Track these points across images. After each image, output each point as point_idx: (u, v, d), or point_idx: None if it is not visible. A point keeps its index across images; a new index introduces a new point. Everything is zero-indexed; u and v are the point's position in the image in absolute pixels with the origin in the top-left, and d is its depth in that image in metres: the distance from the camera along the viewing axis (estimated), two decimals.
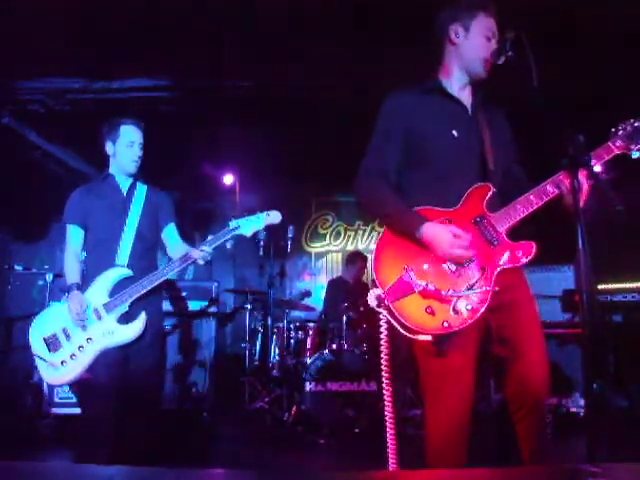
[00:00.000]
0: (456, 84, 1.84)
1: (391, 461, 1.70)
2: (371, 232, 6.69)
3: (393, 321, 1.62)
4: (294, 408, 4.01)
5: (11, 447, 3.20)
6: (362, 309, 4.45)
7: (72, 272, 2.52)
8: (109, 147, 2.62)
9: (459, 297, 1.60)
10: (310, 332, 4.49)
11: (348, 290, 5.07)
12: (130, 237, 2.54)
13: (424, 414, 1.78)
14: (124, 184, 2.66)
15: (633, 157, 1.67)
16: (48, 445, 3.65)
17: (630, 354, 4.06)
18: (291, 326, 4.58)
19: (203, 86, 4.26)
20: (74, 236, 2.59)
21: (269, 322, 4.83)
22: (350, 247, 6.45)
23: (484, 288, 1.61)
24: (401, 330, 1.61)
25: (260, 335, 5.02)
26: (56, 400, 3.95)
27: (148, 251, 2.64)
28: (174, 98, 4.35)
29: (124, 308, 2.42)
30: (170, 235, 2.74)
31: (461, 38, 1.80)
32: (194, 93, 4.35)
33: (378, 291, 1.62)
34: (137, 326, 2.39)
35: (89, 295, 2.45)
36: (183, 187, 6.20)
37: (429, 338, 1.61)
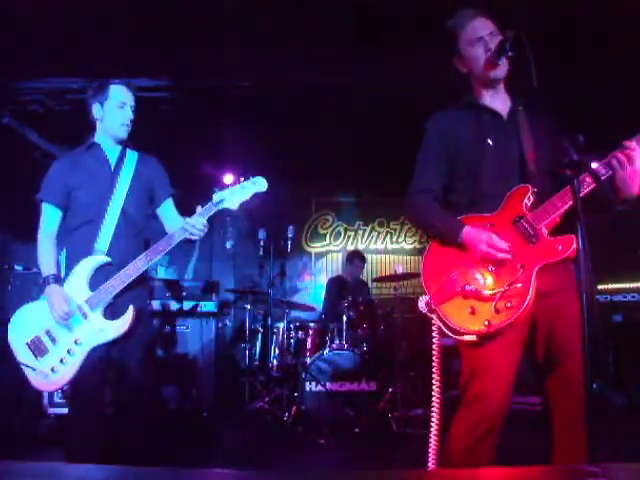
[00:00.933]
0: (486, 95, 1.88)
1: (431, 462, 1.75)
2: (371, 232, 6.69)
3: (441, 324, 1.72)
4: (294, 408, 4.00)
5: (11, 447, 3.20)
6: (362, 308, 4.46)
7: (47, 261, 2.21)
8: (96, 110, 2.31)
9: (500, 296, 1.65)
10: (310, 332, 4.48)
11: (348, 289, 5.07)
12: (114, 217, 2.24)
13: (459, 411, 1.76)
14: (112, 154, 2.35)
15: None
16: (48, 445, 3.64)
17: (630, 354, 4.06)
18: (291, 326, 4.58)
19: (203, 86, 4.26)
20: (49, 217, 2.27)
21: (269, 322, 4.83)
22: (350, 247, 6.45)
23: (523, 286, 1.63)
24: (448, 332, 1.71)
25: (260, 335, 5.02)
26: (56, 400, 3.95)
27: (134, 232, 2.32)
28: (174, 98, 4.35)
29: (108, 300, 2.17)
30: (167, 211, 2.46)
31: (463, 64, 1.89)
32: (194, 93, 4.35)
33: (426, 297, 1.75)
34: (126, 320, 2.14)
35: (68, 290, 2.17)
36: (183, 187, 6.20)
37: (474, 338, 1.67)
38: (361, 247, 6.57)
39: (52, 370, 2.14)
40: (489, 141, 1.80)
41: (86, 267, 2.19)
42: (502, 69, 1.79)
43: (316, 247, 6.62)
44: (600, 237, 1.79)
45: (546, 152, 1.79)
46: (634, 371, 3.94)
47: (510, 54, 1.69)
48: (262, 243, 5.03)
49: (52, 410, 3.93)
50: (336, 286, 5.26)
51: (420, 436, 3.78)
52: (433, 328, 1.75)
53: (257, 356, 4.96)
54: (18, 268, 4.70)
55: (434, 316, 1.74)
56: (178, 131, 4.79)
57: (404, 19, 3.35)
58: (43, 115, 4.43)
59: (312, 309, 5.25)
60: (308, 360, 4.10)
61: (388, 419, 3.93)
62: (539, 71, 1.54)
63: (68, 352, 2.13)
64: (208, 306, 4.53)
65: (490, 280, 1.69)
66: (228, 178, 6.11)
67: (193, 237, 2.22)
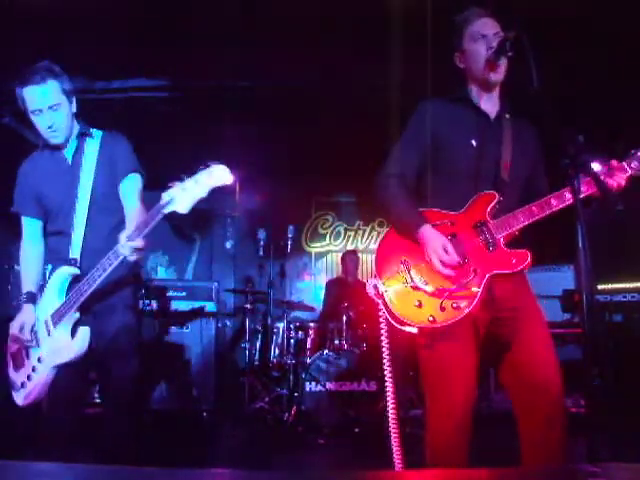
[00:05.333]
0: (481, 95, 1.88)
1: (397, 461, 1.73)
2: (371, 232, 6.69)
3: (385, 311, 1.73)
4: (294, 408, 4.00)
5: (11, 447, 3.20)
6: (362, 308, 4.46)
7: (25, 277, 2.12)
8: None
9: (447, 295, 1.67)
10: (310, 332, 4.49)
11: (347, 290, 5.07)
12: (82, 217, 2.01)
13: (425, 413, 1.79)
14: (67, 150, 2.09)
15: None
16: (48, 445, 3.64)
17: (630, 354, 4.06)
18: (291, 326, 4.58)
19: (203, 86, 4.26)
20: (30, 229, 2.14)
21: (269, 322, 4.83)
22: (350, 247, 6.44)
23: (473, 289, 1.67)
24: (391, 320, 1.72)
25: (260, 335, 5.03)
26: None
27: (109, 222, 2.06)
28: (174, 98, 4.35)
29: (74, 316, 1.94)
30: (126, 190, 2.09)
31: (462, 60, 1.89)
32: (194, 93, 4.35)
33: (375, 280, 1.75)
34: (78, 343, 1.92)
35: (41, 305, 2.03)
36: None
37: (415, 331, 1.70)
38: (361, 247, 6.57)
39: (22, 385, 2.02)
40: (472, 141, 1.81)
41: (57, 280, 2.01)
42: (500, 72, 1.80)
43: (316, 247, 6.62)
44: (600, 237, 1.79)
45: (522, 163, 1.83)
46: (634, 371, 3.93)
47: (510, 54, 1.69)
48: (262, 243, 5.03)
49: None
50: (335, 287, 5.27)
51: (420, 436, 3.80)
52: (380, 314, 1.75)
53: (257, 356, 4.96)
54: (18, 268, 4.68)
55: (380, 301, 1.73)
56: (178, 131, 4.79)
57: (404, 20, 3.35)
58: None
59: (312, 309, 5.25)
60: (308, 360, 4.11)
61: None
62: (539, 71, 1.54)
63: (33, 369, 1.99)
64: (208, 306, 4.53)
65: (442, 278, 1.70)
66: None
67: (131, 258, 1.85)
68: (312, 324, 4.60)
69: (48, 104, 1.95)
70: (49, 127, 1.98)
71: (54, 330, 1.97)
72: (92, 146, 2.11)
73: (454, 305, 1.66)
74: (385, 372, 1.82)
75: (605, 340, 3.98)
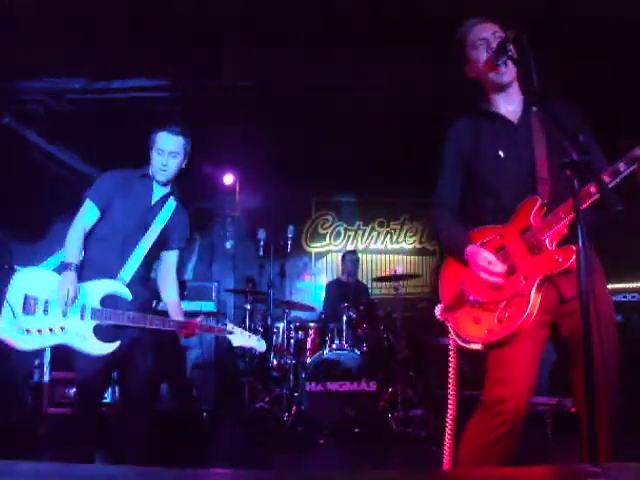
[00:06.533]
0: (500, 102, 1.88)
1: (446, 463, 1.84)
2: (371, 232, 6.69)
3: (452, 332, 1.84)
4: (294, 408, 4.01)
5: (11, 447, 3.20)
6: (362, 308, 4.46)
7: (73, 250, 2.32)
8: (150, 153, 2.52)
9: (503, 307, 1.72)
10: (310, 332, 4.49)
11: (347, 291, 5.07)
12: (140, 255, 2.42)
13: (475, 414, 1.78)
14: (157, 192, 2.54)
15: None
16: (48, 445, 3.64)
17: (630, 354, 4.06)
18: (291, 326, 4.58)
19: (203, 86, 4.26)
20: (88, 212, 2.41)
21: (269, 322, 4.83)
22: (350, 247, 6.45)
23: (525, 297, 1.68)
24: (458, 341, 1.82)
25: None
26: (56, 400, 3.95)
27: (148, 273, 2.54)
28: (174, 98, 4.34)
29: (105, 322, 2.30)
30: (167, 260, 2.63)
31: (472, 70, 1.91)
32: (194, 93, 4.34)
33: (441, 306, 1.89)
34: (105, 349, 2.26)
35: (84, 289, 2.29)
36: (183, 187, 6.19)
37: (479, 347, 1.76)
38: (361, 247, 6.57)
39: (27, 331, 2.20)
40: (500, 153, 1.83)
41: (109, 286, 2.35)
42: (505, 73, 1.79)
43: (316, 247, 6.62)
44: (600, 237, 1.78)
45: (560, 154, 1.76)
46: (634, 371, 3.93)
47: (510, 53, 1.69)
48: (262, 243, 5.03)
49: (52, 410, 3.93)
50: (335, 288, 5.27)
51: (420, 436, 3.81)
52: (450, 334, 1.86)
53: (257, 356, 4.96)
54: (18, 268, 4.69)
55: (448, 324, 1.86)
56: None
57: (404, 20, 3.35)
58: (43, 115, 4.42)
59: (312, 309, 5.25)
60: (308, 360, 4.10)
61: (388, 419, 3.93)
62: (539, 71, 1.54)
63: (49, 329, 2.22)
64: (208, 306, 4.53)
65: (495, 291, 1.75)
66: (228, 178, 6.14)
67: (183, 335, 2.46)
68: (312, 324, 4.60)
69: (170, 149, 2.47)
70: (160, 167, 2.47)
71: (88, 321, 2.26)
72: (170, 205, 2.57)
73: (508, 315, 1.70)
74: (449, 388, 1.91)
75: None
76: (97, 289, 2.32)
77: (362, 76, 4.05)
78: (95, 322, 2.26)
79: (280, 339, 4.65)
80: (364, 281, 5.90)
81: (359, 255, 5.74)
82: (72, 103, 4.31)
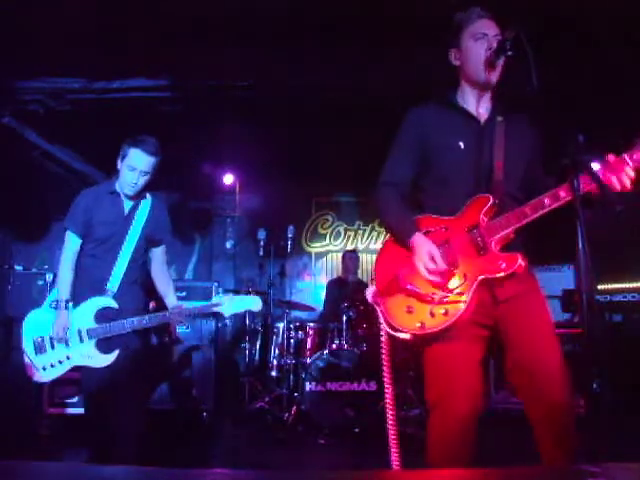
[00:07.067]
0: (470, 97, 1.88)
1: (394, 461, 1.73)
2: (371, 232, 6.69)
3: (381, 317, 1.76)
4: (294, 408, 4.01)
5: (11, 447, 3.20)
6: (362, 308, 4.46)
7: (64, 285, 2.52)
8: (118, 162, 2.58)
9: (437, 301, 1.68)
10: (310, 332, 4.49)
11: (347, 289, 5.07)
12: (124, 264, 2.55)
13: (429, 415, 1.78)
14: (127, 203, 2.64)
15: None
16: (48, 445, 3.64)
17: (630, 354, 4.06)
18: (291, 326, 4.58)
19: (203, 86, 4.26)
20: (72, 243, 2.59)
21: (269, 322, 4.83)
22: (350, 247, 6.45)
23: (462, 295, 1.66)
24: (386, 327, 1.75)
25: (260, 335, 5.02)
26: (56, 400, 3.95)
27: (135, 277, 2.63)
28: (174, 98, 4.34)
29: (105, 336, 2.49)
30: (157, 255, 2.77)
31: (459, 58, 1.87)
32: (194, 93, 4.34)
33: (373, 288, 1.81)
34: (109, 359, 2.46)
35: (76, 314, 2.50)
36: (183, 187, 6.20)
37: (407, 337, 1.71)
38: (361, 247, 6.57)
39: (43, 368, 2.53)
40: (461, 144, 1.80)
41: (98, 303, 2.52)
42: (496, 74, 1.79)
43: (316, 247, 6.62)
44: (600, 237, 1.78)
45: (516, 165, 1.80)
46: (634, 371, 3.93)
47: (510, 53, 1.69)
48: (262, 243, 5.03)
49: (52, 410, 3.93)
50: (336, 287, 5.27)
51: (420, 436, 3.80)
52: (380, 320, 1.79)
53: (257, 356, 4.96)
54: (18, 268, 4.69)
55: (378, 308, 1.78)
56: (178, 131, 4.79)
57: (404, 19, 3.35)
58: (43, 115, 4.42)
59: (312, 309, 5.25)
60: (308, 360, 4.10)
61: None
62: (539, 70, 1.54)
63: (59, 362, 2.52)
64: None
65: (434, 284, 1.71)
66: (228, 178, 6.14)
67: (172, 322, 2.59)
68: (312, 324, 4.60)
69: (141, 169, 2.52)
70: (130, 184, 2.53)
71: (88, 341, 2.49)
72: (145, 208, 2.65)
73: (443, 311, 1.66)
74: (384, 374, 1.84)
75: (605, 340, 3.98)
76: (87, 309, 2.51)
77: (362, 76, 4.05)
78: (94, 339, 2.47)
79: (280, 339, 4.65)
80: (364, 281, 5.90)
81: (359, 255, 5.74)
82: (72, 103, 4.31)
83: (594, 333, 1.31)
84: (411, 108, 1.93)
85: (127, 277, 2.56)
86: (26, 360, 2.56)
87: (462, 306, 1.65)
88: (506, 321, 1.73)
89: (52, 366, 2.52)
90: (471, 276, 1.68)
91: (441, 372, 1.74)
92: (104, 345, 2.47)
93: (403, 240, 1.78)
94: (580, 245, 1.35)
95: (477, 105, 1.87)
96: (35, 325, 2.57)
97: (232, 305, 2.53)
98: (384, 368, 1.83)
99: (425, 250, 1.70)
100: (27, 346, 2.56)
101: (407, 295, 1.73)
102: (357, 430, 3.82)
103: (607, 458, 1.24)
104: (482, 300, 1.70)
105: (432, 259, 1.68)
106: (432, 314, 1.67)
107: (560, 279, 4.57)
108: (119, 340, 2.47)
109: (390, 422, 1.81)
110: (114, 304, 2.51)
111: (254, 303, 2.56)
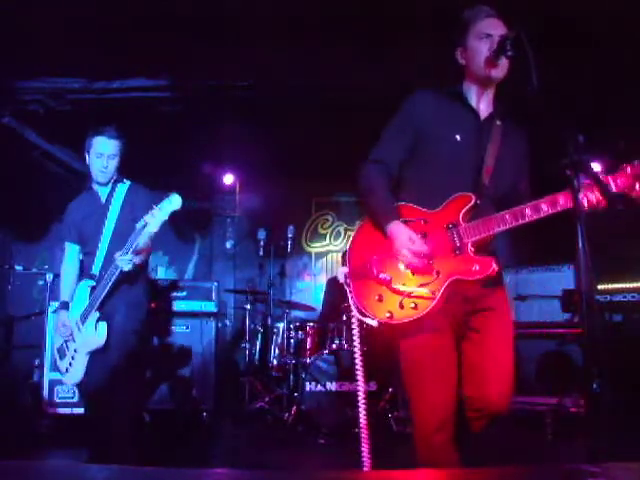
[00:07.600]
0: (475, 94, 1.87)
1: (365, 462, 1.78)
2: None
3: (351, 300, 1.77)
4: (294, 408, 4.01)
5: (11, 447, 3.20)
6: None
7: (64, 289, 2.72)
8: (87, 159, 2.70)
9: (407, 294, 1.68)
10: (310, 332, 4.48)
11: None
12: (106, 243, 2.64)
13: (411, 412, 1.84)
14: (103, 191, 2.74)
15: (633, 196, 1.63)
16: (48, 445, 3.65)
17: (630, 354, 4.06)
18: (291, 326, 4.58)
19: (203, 86, 4.26)
20: (71, 252, 2.76)
21: (269, 322, 4.83)
22: None
23: (430, 292, 1.67)
24: (354, 310, 1.76)
25: (260, 335, 5.02)
26: (56, 400, 3.95)
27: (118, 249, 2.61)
28: (174, 98, 4.34)
29: (95, 315, 2.54)
30: (144, 232, 2.75)
31: (464, 57, 1.87)
32: (194, 93, 4.34)
33: (345, 269, 1.79)
34: (99, 335, 2.53)
35: (73, 308, 2.65)
36: (183, 187, 6.18)
37: (374, 323, 1.72)
38: None
39: (66, 370, 2.67)
40: (457, 136, 1.80)
41: (81, 289, 2.66)
42: (501, 70, 1.79)
43: (316, 247, 6.62)
44: (600, 237, 1.78)
45: (507, 167, 1.81)
46: (634, 371, 3.93)
47: (510, 53, 1.69)
48: (262, 243, 5.03)
49: (52, 410, 3.93)
50: (335, 287, 5.26)
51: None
52: (350, 302, 1.79)
53: (257, 356, 4.96)
54: (18, 268, 4.70)
55: (347, 290, 1.78)
56: (178, 131, 4.79)
57: (404, 19, 3.35)
58: (43, 115, 4.42)
59: (312, 309, 5.25)
60: (308, 360, 4.10)
61: (388, 419, 3.93)
62: (539, 70, 1.54)
63: (72, 358, 2.64)
64: (208, 306, 4.52)
65: (404, 275, 1.72)
66: (228, 178, 6.14)
67: (125, 268, 2.50)
68: (312, 324, 4.60)
69: (109, 153, 2.62)
70: (100, 169, 2.63)
71: (83, 327, 2.58)
72: (121, 191, 2.74)
73: (412, 305, 1.68)
74: (355, 362, 1.90)
75: (605, 340, 3.98)
76: (78, 299, 2.65)
77: (362, 76, 4.05)
78: (90, 322, 2.54)
79: (280, 339, 4.65)
80: None
81: None
82: (72, 103, 4.30)
83: (594, 333, 1.31)
84: (416, 92, 1.91)
85: (112, 250, 2.56)
86: (59, 368, 2.72)
87: (430, 303, 1.66)
88: (469, 340, 1.78)
89: (71, 365, 2.63)
90: (444, 274, 1.68)
91: (421, 365, 1.77)
92: (96, 325, 2.55)
93: (381, 225, 1.77)
94: (580, 245, 1.35)
95: (478, 102, 1.87)
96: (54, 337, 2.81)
97: (157, 217, 2.41)
98: (356, 356, 1.90)
99: (406, 235, 1.70)
100: (55, 354, 2.75)
101: (378, 283, 1.73)
102: (357, 430, 3.82)
103: (607, 458, 1.24)
104: (452, 299, 1.71)
105: (412, 241, 1.69)
106: (401, 306, 1.69)
107: (560, 279, 4.56)
108: (107, 312, 2.55)
109: (362, 420, 1.98)
110: (91, 282, 2.63)
111: (174, 201, 2.43)
